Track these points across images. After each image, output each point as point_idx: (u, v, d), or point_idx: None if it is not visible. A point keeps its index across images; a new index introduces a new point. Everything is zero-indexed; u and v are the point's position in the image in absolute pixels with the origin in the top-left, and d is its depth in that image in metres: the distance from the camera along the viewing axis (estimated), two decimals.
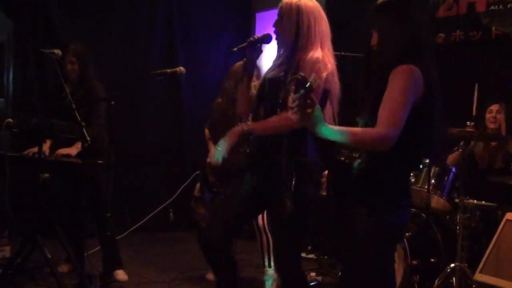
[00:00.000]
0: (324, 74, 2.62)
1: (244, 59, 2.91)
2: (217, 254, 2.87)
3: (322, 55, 2.68)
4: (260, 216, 4.15)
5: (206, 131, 4.47)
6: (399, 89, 2.14)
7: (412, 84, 2.14)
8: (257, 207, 2.99)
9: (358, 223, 2.29)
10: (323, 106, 2.72)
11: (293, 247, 2.81)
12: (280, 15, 2.75)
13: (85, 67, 4.21)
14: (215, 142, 4.20)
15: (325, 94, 2.69)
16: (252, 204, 2.86)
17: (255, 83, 2.99)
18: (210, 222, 2.98)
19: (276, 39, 2.78)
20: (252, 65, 2.88)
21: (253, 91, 2.94)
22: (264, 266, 4.23)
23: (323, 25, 2.75)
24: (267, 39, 2.80)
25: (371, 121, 2.18)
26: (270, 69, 2.85)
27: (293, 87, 1.97)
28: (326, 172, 2.58)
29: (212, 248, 2.85)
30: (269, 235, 4.18)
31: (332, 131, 2.08)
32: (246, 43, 2.81)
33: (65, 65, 4.14)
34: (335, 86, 2.74)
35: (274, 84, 2.72)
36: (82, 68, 4.20)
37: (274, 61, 2.85)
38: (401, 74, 2.15)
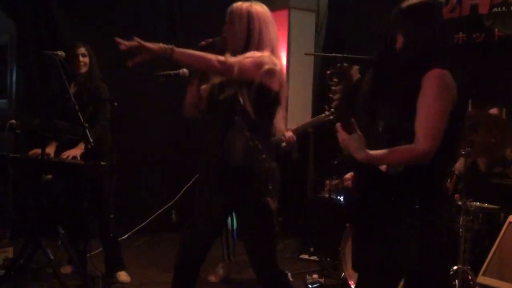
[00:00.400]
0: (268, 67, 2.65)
1: None
2: (192, 274, 2.88)
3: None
4: None
5: None
6: (434, 96, 2.11)
7: (447, 90, 2.13)
8: (225, 219, 3.04)
9: (398, 229, 2.20)
10: (275, 107, 2.75)
11: (265, 248, 2.84)
12: (231, 20, 2.73)
13: (93, 65, 4.25)
14: None
15: (277, 95, 2.71)
16: (223, 219, 2.94)
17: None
18: (187, 243, 2.95)
19: (226, 44, 2.74)
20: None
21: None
22: None
23: (273, 31, 2.75)
24: (219, 43, 2.77)
25: (397, 123, 2.18)
26: (211, 86, 2.83)
27: (334, 80, 2.01)
28: (351, 174, 2.55)
29: (189, 268, 2.86)
30: None
31: (373, 155, 2.11)
32: (200, 47, 2.76)
33: (75, 59, 4.15)
34: (285, 88, 2.76)
35: (231, 100, 2.70)
36: (91, 64, 4.23)
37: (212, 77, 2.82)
38: (434, 80, 2.13)
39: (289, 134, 4.04)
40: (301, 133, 4.18)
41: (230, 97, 2.67)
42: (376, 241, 2.26)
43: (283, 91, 2.75)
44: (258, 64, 2.63)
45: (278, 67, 2.70)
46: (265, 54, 2.67)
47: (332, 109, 2.08)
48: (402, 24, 2.29)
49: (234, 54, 2.64)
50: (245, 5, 2.71)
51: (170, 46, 2.57)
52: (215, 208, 2.81)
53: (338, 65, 2.05)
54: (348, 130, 2.14)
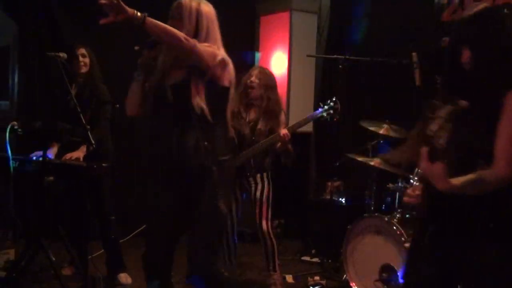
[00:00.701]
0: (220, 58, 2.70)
1: (139, 60, 2.82)
2: (163, 272, 2.88)
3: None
4: (264, 221, 4.17)
5: None
6: None
7: None
8: (179, 217, 2.87)
9: (480, 261, 2.05)
10: (226, 104, 2.75)
11: (209, 248, 2.80)
12: (179, 16, 2.72)
13: (94, 65, 4.26)
14: None
15: (227, 91, 2.73)
16: (175, 217, 2.83)
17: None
18: (150, 242, 2.93)
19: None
20: (147, 66, 2.81)
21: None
22: (269, 270, 4.23)
23: (218, 31, 2.80)
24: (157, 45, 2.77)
25: (473, 143, 2.01)
26: (161, 74, 2.78)
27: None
28: (420, 185, 2.35)
29: (158, 267, 2.86)
30: (273, 239, 4.19)
31: (455, 185, 1.95)
32: (146, 43, 2.75)
33: (75, 59, 4.16)
34: (233, 89, 2.81)
35: (181, 89, 2.69)
36: (92, 64, 4.24)
37: (163, 64, 2.79)
38: None
39: (283, 131, 4.02)
40: (296, 130, 4.15)
41: (181, 89, 2.66)
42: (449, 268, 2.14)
43: (231, 90, 2.77)
44: (213, 54, 2.68)
45: (230, 63, 2.74)
46: (219, 50, 2.73)
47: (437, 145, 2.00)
48: (469, 35, 2.09)
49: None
50: (194, 2, 2.73)
51: (143, 13, 2.55)
52: (163, 205, 2.80)
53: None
54: (434, 158, 1.98)
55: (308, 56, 5.79)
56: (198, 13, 2.71)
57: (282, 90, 6.54)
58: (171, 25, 2.63)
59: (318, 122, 6.22)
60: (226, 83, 2.72)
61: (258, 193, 4.22)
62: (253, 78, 4.19)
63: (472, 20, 2.10)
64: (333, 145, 5.99)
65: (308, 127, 6.18)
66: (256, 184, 4.24)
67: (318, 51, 6.32)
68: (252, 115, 4.24)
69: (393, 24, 5.59)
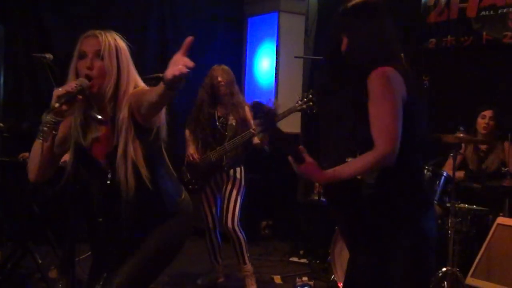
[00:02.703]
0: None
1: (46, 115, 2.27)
2: None
3: None
4: (229, 218, 4.25)
5: (187, 132, 4.52)
6: (379, 97, 2.05)
7: (390, 87, 2.05)
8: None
9: (386, 240, 2.18)
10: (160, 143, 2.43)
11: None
12: (98, 54, 2.32)
13: None
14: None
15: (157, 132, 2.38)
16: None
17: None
18: None
19: (93, 84, 2.29)
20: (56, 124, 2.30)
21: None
22: (239, 263, 4.36)
23: (134, 68, 2.46)
24: (86, 85, 2.29)
25: (366, 134, 2.08)
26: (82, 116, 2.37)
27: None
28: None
29: None
30: (239, 234, 4.29)
31: (332, 173, 2.08)
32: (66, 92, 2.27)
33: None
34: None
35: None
36: None
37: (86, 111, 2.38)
38: (376, 80, 2.06)
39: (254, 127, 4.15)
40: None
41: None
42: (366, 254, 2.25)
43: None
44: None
45: None
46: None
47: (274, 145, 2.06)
48: (346, 24, 2.26)
49: (100, 93, 2.31)
50: (111, 39, 2.36)
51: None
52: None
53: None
54: (298, 159, 2.11)
55: (296, 57, 5.80)
56: (118, 50, 2.37)
57: (270, 91, 6.56)
58: (83, 65, 2.30)
59: (306, 122, 6.27)
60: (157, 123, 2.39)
61: (228, 188, 4.31)
62: (219, 79, 4.34)
63: (350, 9, 2.25)
64: (321, 146, 6.01)
65: (296, 128, 6.20)
66: (228, 179, 4.33)
67: (306, 52, 6.34)
68: (220, 111, 4.37)
69: None
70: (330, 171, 2.09)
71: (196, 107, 4.46)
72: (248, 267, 4.38)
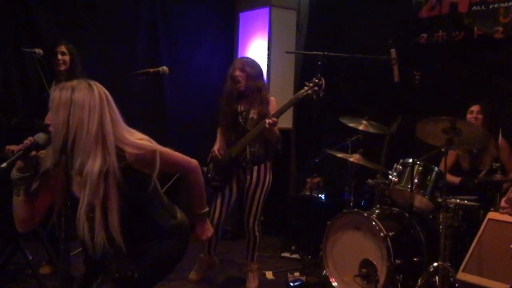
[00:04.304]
0: None
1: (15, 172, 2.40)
2: None
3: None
4: (251, 218, 4.30)
5: (218, 130, 4.42)
6: None
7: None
8: None
9: None
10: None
11: None
12: (52, 109, 2.28)
13: (75, 64, 4.20)
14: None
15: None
16: None
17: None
18: None
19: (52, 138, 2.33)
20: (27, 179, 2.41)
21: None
22: (247, 258, 4.43)
23: (103, 119, 2.41)
24: (43, 140, 2.42)
25: None
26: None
27: None
28: None
29: None
30: (257, 235, 4.36)
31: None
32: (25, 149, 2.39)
33: (54, 57, 4.10)
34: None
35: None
36: (72, 63, 4.19)
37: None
38: None
39: (268, 120, 3.99)
40: (284, 113, 4.13)
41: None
42: None
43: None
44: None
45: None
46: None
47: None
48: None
49: (56, 149, 2.33)
50: (65, 92, 2.24)
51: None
52: None
53: None
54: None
55: (287, 52, 5.79)
56: (71, 104, 2.24)
57: None
58: (48, 120, 2.30)
59: (298, 118, 6.26)
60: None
61: (252, 188, 4.26)
62: (237, 73, 4.20)
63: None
64: (313, 141, 6.01)
65: (288, 123, 6.19)
66: (251, 177, 4.25)
67: (298, 47, 6.33)
68: (243, 105, 4.26)
69: (372, 21, 5.61)
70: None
71: (223, 100, 4.33)
72: (255, 264, 4.44)
